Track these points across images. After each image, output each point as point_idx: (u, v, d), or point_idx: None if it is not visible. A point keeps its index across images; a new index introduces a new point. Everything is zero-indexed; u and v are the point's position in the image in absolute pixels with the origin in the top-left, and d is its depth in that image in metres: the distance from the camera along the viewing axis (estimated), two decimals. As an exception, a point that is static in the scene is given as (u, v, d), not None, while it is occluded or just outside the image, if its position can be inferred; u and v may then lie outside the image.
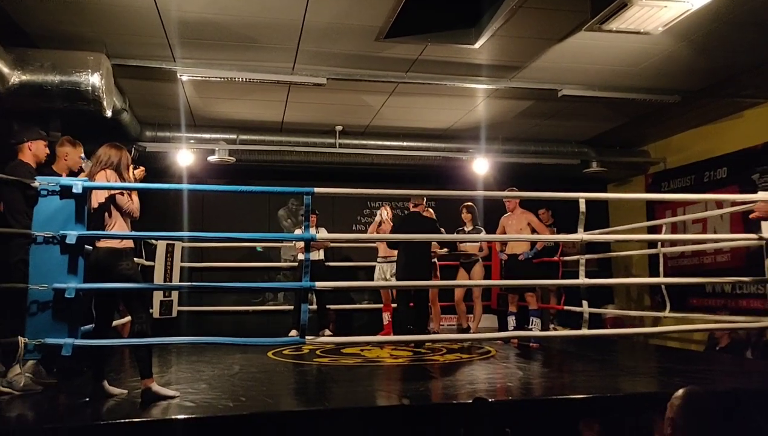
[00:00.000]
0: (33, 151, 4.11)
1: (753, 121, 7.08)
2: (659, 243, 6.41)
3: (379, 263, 6.98)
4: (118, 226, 3.58)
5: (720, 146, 7.57)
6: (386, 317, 6.85)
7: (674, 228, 7.83)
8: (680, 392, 2.24)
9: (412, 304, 6.26)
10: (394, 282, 6.30)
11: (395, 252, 6.38)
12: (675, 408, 2.19)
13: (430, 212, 6.76)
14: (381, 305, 7.20)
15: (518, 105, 7.02)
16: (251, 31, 5.02)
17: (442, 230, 6.74)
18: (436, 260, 6.81)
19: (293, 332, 6.37)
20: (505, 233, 6.37)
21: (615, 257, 8.65)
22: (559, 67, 5.80)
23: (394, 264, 6.40)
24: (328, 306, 7.41)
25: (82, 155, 4.35)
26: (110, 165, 3.61)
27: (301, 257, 6.90)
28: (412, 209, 6.43)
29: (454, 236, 6.79)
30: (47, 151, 4.23)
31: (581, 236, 4.59)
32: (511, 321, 6.38)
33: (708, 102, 6.80)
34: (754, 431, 2.58)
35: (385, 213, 6.90)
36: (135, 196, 3.71)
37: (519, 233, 6.13)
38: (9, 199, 3.91)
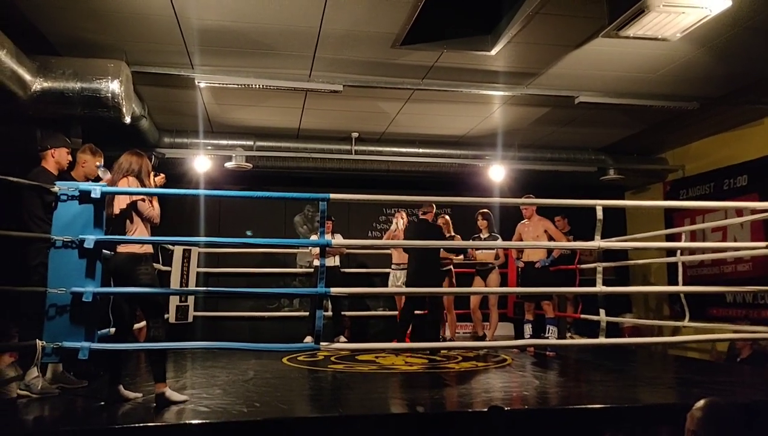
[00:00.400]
0: (56, 158, 4.16)
1: (774, 129, 6.99)
2: (678, 251, 6.32)
3: (393, 269, 6.97)
4: (139, 231, 3.64)
5: (740, 153, 7.47)
6: None
7: (693, 236, 7.73)
8: (701, 403, 2.20)
9: (427, 311, 6.23)
10: (407, 289, 6.27)
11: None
12: (696, 420, 2.15)
13: (446, 219, 6.75)
14: (396, 312, 7.18)
15: (535, 112, 6.99)
16: (268, 39, 5.06)
17: (458, 236, 6.72)
18: (452, 267, 6.79)
19: (308, 339, 6.37)
20: (521, 241, 6.33)
21: (633, 266, 8.55)
22: (576, 73, 5.76)
23: None
24: (343, 313, 7.42)
25: (98, 163, 4.39)
26: (131, 172, 3.66)
27: (316, 263, 6.91)
28: (421, 217, 6.42)
29: (470, 243, 6.76)
30: (70, 158, 4.27)
31: (598, 243, 4.55)
32: (528, 329, 6.33)
33: (727, 109, 6.72)
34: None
35: (401, 221, 6.89)
36: (156, 203, 3.75)
37: (536, 240, 6.09)
38: (29, 204, 3.97)
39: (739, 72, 5.73)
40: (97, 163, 4.35)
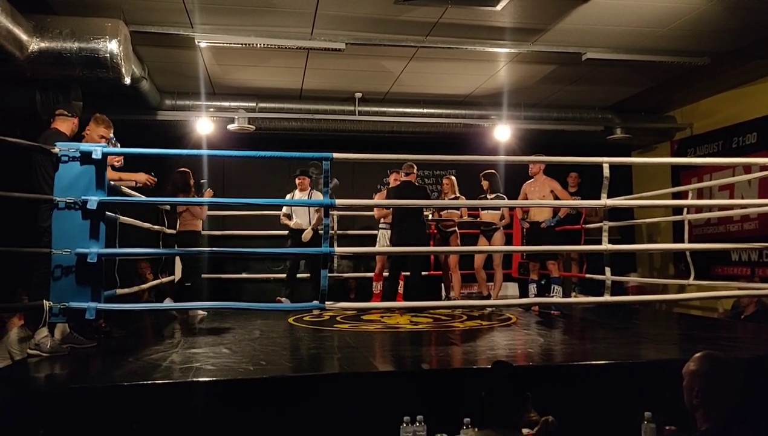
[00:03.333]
0: (74, 127, 4.11)
1: (785, 84, 6.86)
2: (684, 210, 6.27)
3: (381, 229, 6.89)
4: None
5: (750, 110, 7.34)
6: (378, 287, 6.86)
7: (700, 195, 7.67)
8: (696, 356, 2.13)
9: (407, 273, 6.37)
10: (411, 248, 6.27)
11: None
12: (691, 373, 2.09)
13: (452, 180, 6.72)
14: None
15: (541, 70, 6.86)
16: (268, -5, 4.95)
17: (462, 197, 6.69)
18: (456, 228, 6.77)
19: (283, 300, 6.13)
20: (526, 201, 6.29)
21: (638, 226, 8.51)
22: (583, 29, 5.63)
23: None
24: (348, 275, 7.39)
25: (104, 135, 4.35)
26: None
27: (287, 222, 6.68)
28: (404, 178, 6.35)
29: (474, 202, 6.74)
30: (88, 130, 4.23)
31: (605, 201, 4.51)
32: (533, 289, 6.34)
33: (739, 64, 6.57)
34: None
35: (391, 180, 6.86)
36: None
37: (542, 200, 6.05)
38: (41, 165, 3.93)
39: (752, 25, 5.57)
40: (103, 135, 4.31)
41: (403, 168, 6.37)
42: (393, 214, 6.39)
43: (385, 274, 6.72)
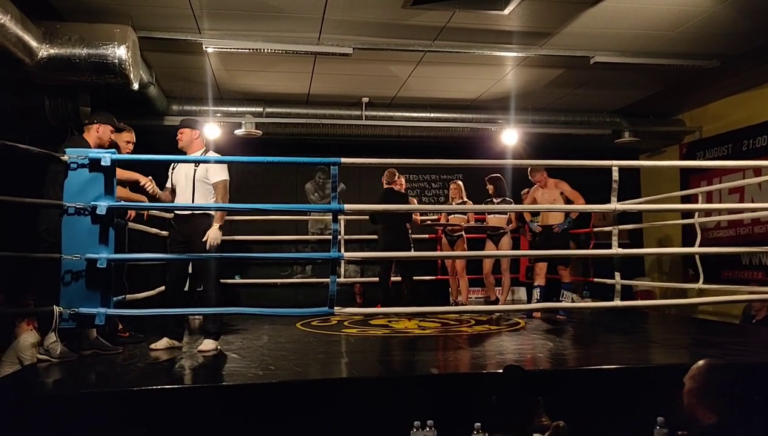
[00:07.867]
0: (99, 133, 4.16)
1: (796, 87, 6.81)
2: (695, 214, 6.23)
3: None
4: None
5: (760, 113, 7.29)
6: None
7: (709, 198, 7.61)
8: (698, 364, 2.17)
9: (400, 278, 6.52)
10: (416, 253, 6.28)
11: None
12: (691, 381, 2.13)
13: (458, 185, 6.72)
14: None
15: (549, 73, 6.84)
16: (276, 0, 4.95)
17: (470, 202, 6.69)
18: (463, 233, 6.76)
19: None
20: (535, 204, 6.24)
21: (647, 232, 8.47)
22: (591, 32, 5.61)
23: None
24: (354, 280, 7.36)
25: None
26: None
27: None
28: (386, 186, 6.55)
29: (481, 207, 6.73)
30: (112, 137, 4.28)
31: (614, 205, 4.47)
32: (535, 294, 6.15)
33: (749, 67, 6.52)
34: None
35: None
36: None
37: (552, 203, 5.98)
38: (53, 171, 3.95)
39: (763, 27, 5.53)
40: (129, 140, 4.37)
41: (385, 176, 6.54)
42: (379, 223, 6.47)
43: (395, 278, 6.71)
